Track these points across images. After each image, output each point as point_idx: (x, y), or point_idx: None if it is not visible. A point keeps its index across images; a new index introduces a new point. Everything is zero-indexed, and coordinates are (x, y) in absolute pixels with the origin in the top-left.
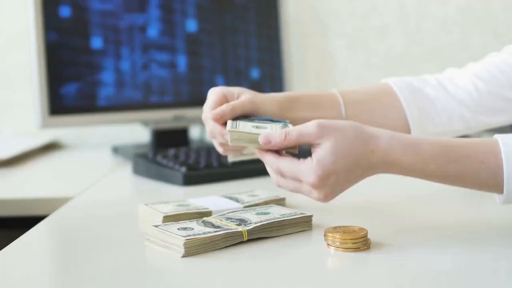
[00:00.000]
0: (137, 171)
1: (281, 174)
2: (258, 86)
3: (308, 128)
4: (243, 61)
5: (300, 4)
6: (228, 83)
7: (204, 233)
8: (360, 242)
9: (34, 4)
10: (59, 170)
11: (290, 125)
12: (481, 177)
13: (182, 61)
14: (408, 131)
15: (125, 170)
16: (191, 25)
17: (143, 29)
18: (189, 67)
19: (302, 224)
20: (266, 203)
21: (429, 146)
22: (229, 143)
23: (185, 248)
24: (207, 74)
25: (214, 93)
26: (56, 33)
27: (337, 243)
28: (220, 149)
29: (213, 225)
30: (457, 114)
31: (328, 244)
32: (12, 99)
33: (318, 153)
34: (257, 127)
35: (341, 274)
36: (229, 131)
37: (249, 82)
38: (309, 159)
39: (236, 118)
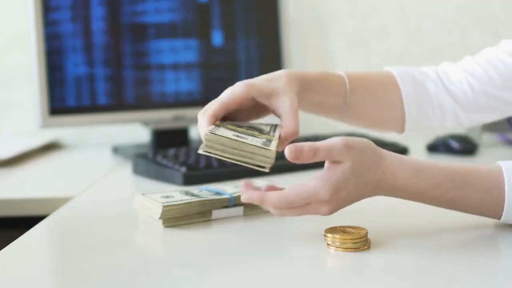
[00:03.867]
0: (137, 171)
1: (291, 206)
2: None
3: (337, 148)
4: (243, 61)
5: (300, 4)
6: (228, 82)
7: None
8: (360, 242)
9: (34, 4)
10: (59, 170)
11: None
12: (484, 205)
13: (182, 61)
14: (402, 124)
15: (125, 170)
16: (191, 25)
17: (143, 28)
18: (189, 67)
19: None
20: None
21: (437, 172)
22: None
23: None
24: (207, 73)
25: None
26: (56, 33)
27: (337, 243)
28: None
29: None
30: (451, 111)
31: (328, 244)
32: (12, 99)
33: (336, 172)
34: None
35: (341, 274)
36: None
37: None
38: (317, 177)
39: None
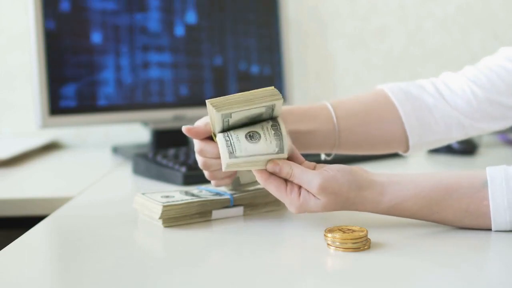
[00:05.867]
0: (137, 171)
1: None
2: (258, 86)
3: (310, 184)
4: (243, 61)
5: (300, 4)
6: (228, 82)
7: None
8: (360, 242)
9: (34, 5)
10: (59, 170)
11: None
12: (466, 222)
13: (182, 61)
14: (406, 141)
15: (125, 170)
16: (191, 25)
17: (143, 28)
18: (189, 67)
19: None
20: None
21: (414, 202)
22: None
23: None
24: (207, 74)
25: (199, 123)
26: (56, 33)
27: (337, 243)
28: (213, 183)
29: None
30: (455, 121)
31: (328, 244)
32: (12, 99)
33: (308, 202)
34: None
35: (341, 274)
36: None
37: (249, 82)
38: (296, 194)
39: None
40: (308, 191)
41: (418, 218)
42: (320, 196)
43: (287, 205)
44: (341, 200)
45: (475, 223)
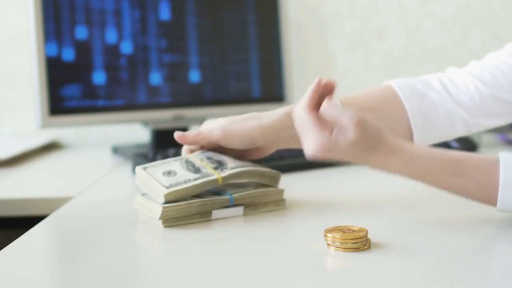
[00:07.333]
0: None
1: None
2: (258, 86)
3: (348, 116)
4: (243, 61)
5: (300, 4)
6: (228, 82)
7: (185, 182)
8: (360, 242)
9: (34, 4)
10: (59, 170)
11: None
12: (476, 193)
13: (182, 61)
14: (410, 137)
15: (125, 170)
16: (191, 25)
17: (143, 29)
18: (188, 67)
19: (270, 179)
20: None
21: (429, 160)
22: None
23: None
24: (207, 74)
25: (203, 127)
26: (56, 32)
27: (337, 243)
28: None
29: (193, 167)
30: (459, 118)
31: (328, 244)
32: (12, 99)
33: (339, 139)
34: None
35: (341, 274)
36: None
37: (249, 82)
38: (328, 131)
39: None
40: (342, 126)
41: (430, 180)
42: (355, 131)
43: (312, 142)
44: (370, 142)
45: (482, 193)
